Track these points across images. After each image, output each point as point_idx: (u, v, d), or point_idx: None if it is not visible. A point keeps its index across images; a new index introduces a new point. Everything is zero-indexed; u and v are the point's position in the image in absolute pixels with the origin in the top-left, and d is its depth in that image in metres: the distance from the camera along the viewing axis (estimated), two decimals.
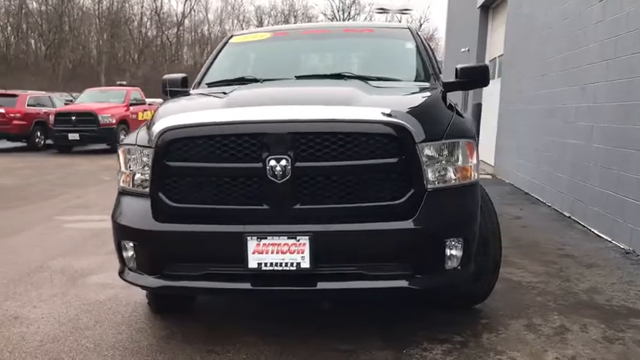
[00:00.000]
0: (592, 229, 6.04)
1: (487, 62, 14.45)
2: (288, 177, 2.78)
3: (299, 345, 3.17)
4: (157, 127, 2.96)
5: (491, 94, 12.64)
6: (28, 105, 17.86)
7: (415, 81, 4.06)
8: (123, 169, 3.15)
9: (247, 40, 4.83)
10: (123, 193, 3.17)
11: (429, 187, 2.89)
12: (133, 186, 3.09)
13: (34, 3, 64.55)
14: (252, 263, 2.80)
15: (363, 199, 2.84)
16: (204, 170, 2.89)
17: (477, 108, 11.10)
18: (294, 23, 61.98)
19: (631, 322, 3.46)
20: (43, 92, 20.83)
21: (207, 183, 2.91)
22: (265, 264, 2.80)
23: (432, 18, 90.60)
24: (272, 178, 2.78)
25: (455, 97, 16.80)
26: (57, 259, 4.94)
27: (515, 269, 4.58)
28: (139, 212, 3.02)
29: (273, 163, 2.77)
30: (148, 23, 69.65)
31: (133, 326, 3.49)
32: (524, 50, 9.63)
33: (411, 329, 3.35)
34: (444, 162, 2.96)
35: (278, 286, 2.89)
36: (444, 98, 3.65)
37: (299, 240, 2.78)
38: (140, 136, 3.13)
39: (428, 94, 3.48)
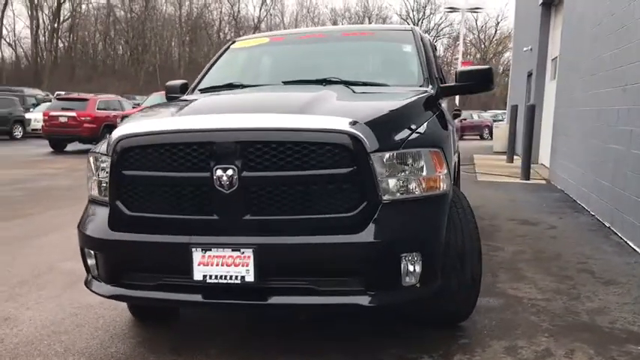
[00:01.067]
0: (628, 242, 5.61)
1: (549, 61, 13.81)
2: (235, 187, 2.71)
3: (258, 356, 3.10)
4: (114, 135, 2.97)
5: (549, 96, 12.06)
6: (98, 108, 18.74)
7: (404, 86, 3.89)
8: (92, 176, 3.18)
9: (246, 45, 4.81)
10: (91, 201, 3.21)
11: (385, 198, 2.75)
12: (99, 194, 3.12)
13: (121, 11, 67.67)
14: (198, 275, 2.76)
15: (315, 211, 2.73)
16: (156, 179, 2.87)
17: (530, 110, 10.59)
18: (368, 24, 61.75)
19: (626, 349, 3.16)
20: (114, 96, 21.76)
21: (160, 192, 2.89)
22: (210, 276, 2.74)
23: (509, 16, 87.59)
24: (219, 188, 2.73)
25: (518, 99, 16.16)
26: (69, 261, 5.09)
27: (523, 284, 4.31)
28: (98, 221, 3.05)
29: (219, 172, 2.71)
30: (226, 28, 71.57)
31: (110, 332, 3.52)
32: (577, 49, 9.11)
33: (381, 346, 3.20)
34: (404, 172, 2.80)
35: (228, 299, 2.82)
36: (429, 104, 3.49)
37: (243, 252, 2.70)
38: (104, 144, 3.15)
39: (406, 100, 3.31)
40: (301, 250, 2.71)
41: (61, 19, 64.95)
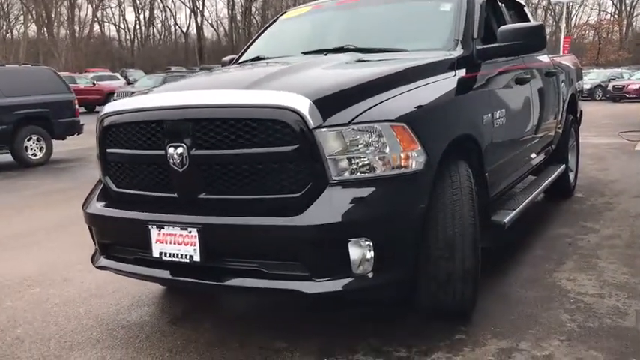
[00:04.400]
0: None
1: None
2: (187, 166, 2.70)
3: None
4: (99, 113, 3.11)
5: None
6: None
7: (426, 50, 3.51)
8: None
9: (292, 15, 4.70)
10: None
11: (335, 179, 2.53)
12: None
13: None
14: (156, 252, 2.80)
15: (263, 192, 2.62)
16: (127, 157, 2.97)
17: None
18: None
19: None
20: None
21: (131, 170, 2.98)
22: (165, 254, 2.77)
23: None
24: (174, 167, 2.73)
25: None
26: None
27: (584, 275, 3.72)
28: (91, 197, 3.24)
29: (171, 151, 2.71)
30: None
31: (130, 299, 3.74)
32: None
33: (361, 336, 2.99)
34: (359, 150, 2.55)
35: (189, 277, 2.82)
36: (434, 71, 3.14)
37: (190, 232, 2.69)
38: None
39: (390, 68, 3.05)
40: (244, 231, 2.62)
41: None
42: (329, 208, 2.51)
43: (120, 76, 33.40)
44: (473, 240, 2.84)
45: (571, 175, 6.03)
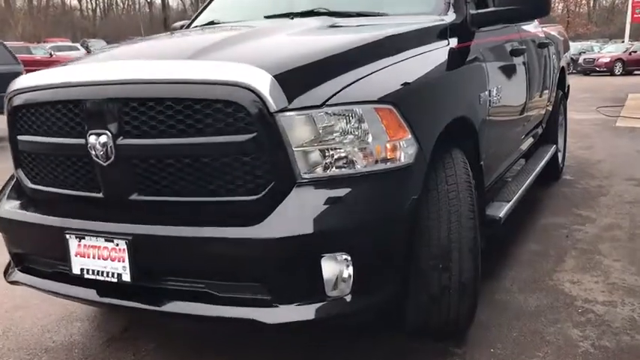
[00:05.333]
0: None
1: None
2: (112, 158, 2.09)
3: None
4: (7, 91, 2.47)
5: None
6: None
7: (412, 14, 2.95)
8: None
9: None
10: None
11: (304, 176, 1.97)
12: None
13: None
14: (76, 268, 2.22)
15: (210, 193, 2.04)
16: (42, 146, 2.34)
17: None
18: None
19: None
20: None
21: (47, 162, 2.36)
22: (88, 270, 2.19)
23: None
24: (96, 160, 2.13)
25: None
26: None
27: (589, 277, 3.25)
28: (1, 195, 2.62)
29: (92, 139, 2.11)
30: None
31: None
32: None
33: (332, 357, 2.46)
34: (334, 139, 1.99)
35: (120, 299, 2.23)
36: (423, 39, 2.60)
37: (117, 244, 2.10)
38: None
39: (380, 33, 2.48)
40: (186, 245, 2.05)
41: None
42: (296, 214, 1.95)
43: (80, 47, 32.01)
44: (472, 246, 2.32)
45: (559, 156, 5.57)
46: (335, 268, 1.98)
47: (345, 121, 1.99)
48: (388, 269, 2.10)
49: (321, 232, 1.93)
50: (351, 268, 1.98)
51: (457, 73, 2.72)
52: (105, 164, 2.11)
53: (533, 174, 4.11)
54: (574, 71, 28.43)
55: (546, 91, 4.70)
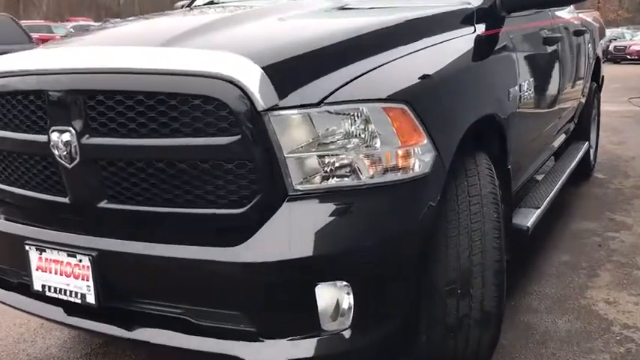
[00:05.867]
0: None
1: None
2: (77, 160, 1.79)
3: None
4: None
5: None
6: None
7: None
8: None
9: None
10: None
11: (298, 187, 1.65)
12: None
13: None
14: (37, 284, 1.93)
15: (187, 203, 1.73)
16: (3, 142, 2.04)
17: None
18: None
19: None
20: None
21: (10, 160, 2.07)
22: (49, 288, 1.90)
23: None
24: (60, 160, 1.83)
25: None
26: None
27: (628, 296, 2.90)
28: None
29: (54, 137, 1.81)
30: None
31: None
32: None
33: None
34: (335, 144, 1.66)
35: (90, 320, 1.94)
36: (444, 25, 2.26)
37: (80, 260, 1.81)
38: None
39: (395, 18, 2.15)
40: (159, 266, 1.74)
41: None
42: (286, 233, 1.64)
43: None
44: (497, 268, 1.98)
45: (591, 152, 5.16)
46: (332, 297, 1.66)
47: (348, 122, 1.66)
48: (396, 298, 1.78)
49: (316, 255, 1.61)
50: (351, 298, 1.67)
51: (484, 64, 2.36)
52: (70, 166, 1.81)
53: (564, 175, 3.73)
54: (604, 59, 27.60)
55: (580, 83, 4.30)
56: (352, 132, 1.67)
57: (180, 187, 1.71)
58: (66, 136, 1.78)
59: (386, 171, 1.70)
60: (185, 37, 1.84)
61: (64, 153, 1.79)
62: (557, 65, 3.41)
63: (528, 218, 2.83)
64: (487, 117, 2.20)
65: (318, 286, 1.64)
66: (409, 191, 1.74)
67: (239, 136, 1.61)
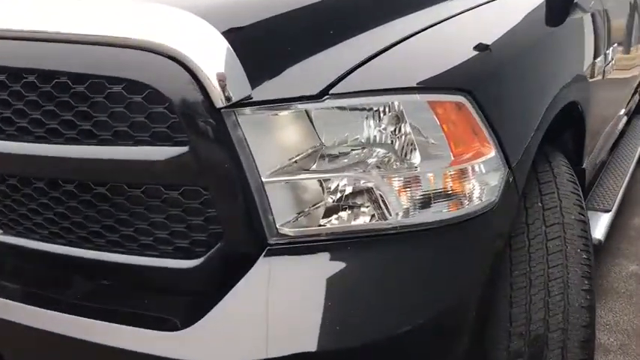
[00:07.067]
0: None
1: None
2: None
3: None
4: None
5: None
6: None
7: None
8: None
9: None
10: None
11: (284, 232, 1.00)
12: None
13: None
14: None
15: (112, 246, 1.12)
16: None
17: None
18: None
19: None
20: None
21: None
22: None
23: None
24: None
25: None
26: None
27: None
28: None
29: None
30: None
31: None
32: None
33: None
34: (346, 160, 1.01)
35: None
36: None
37: None
38: None
39: None
40: (54, 345, 1.13)
41: None
42: (262, 313, 0.99)
43: None
44: (585, 337, 1.33)
45: None
46: None
47: (367, 124, 1.00)
48: None
49: (311, 353, 0.97)
50: None
51: (564, 30, 1.65)
52: None
53: (633, 161, 3.02)
54: None
55: None
56: (375, 139, 1.02)
57: (101, 220, 1.08)
58: None
59: (429, 202, 1.04)
60: None
61: None
62: (635, 25, 2.68)
63: (599, 226, 2.16)
64: (570, 105, 1.52)
65: None
66: (465, 237, 1.08)
67: (186, 148, 0.97)
